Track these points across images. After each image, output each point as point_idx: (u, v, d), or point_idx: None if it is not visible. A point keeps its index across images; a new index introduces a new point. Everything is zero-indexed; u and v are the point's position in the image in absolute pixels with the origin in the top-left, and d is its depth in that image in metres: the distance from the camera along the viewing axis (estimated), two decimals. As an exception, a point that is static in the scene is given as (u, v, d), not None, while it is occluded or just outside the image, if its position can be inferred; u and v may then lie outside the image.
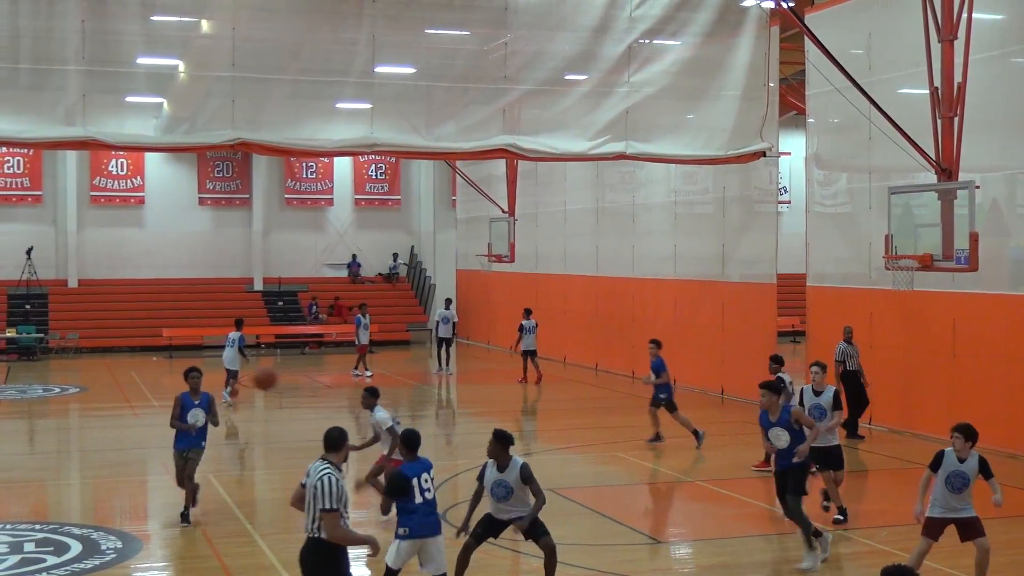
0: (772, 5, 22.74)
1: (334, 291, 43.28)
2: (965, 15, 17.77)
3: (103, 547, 13.68)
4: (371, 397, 14.79)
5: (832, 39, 20.92)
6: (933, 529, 11.26)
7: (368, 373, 31.16)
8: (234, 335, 26.98)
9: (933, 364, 21.23)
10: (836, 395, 14.81)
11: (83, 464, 20.57)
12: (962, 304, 20.56)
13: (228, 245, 43.59)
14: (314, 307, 42.03)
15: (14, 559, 13.11)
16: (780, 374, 17.44)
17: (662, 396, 20.71)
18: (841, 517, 14.66)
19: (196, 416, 14.88)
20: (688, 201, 29.55)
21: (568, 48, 22.92)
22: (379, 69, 22.22)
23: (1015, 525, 14.69)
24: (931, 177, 18.34)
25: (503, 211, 34.48)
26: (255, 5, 21.94)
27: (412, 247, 46.33)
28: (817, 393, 14.76)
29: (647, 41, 23.42)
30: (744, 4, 23.66)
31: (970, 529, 11.21)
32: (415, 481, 10.51)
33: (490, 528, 11.25)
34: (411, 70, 23.74)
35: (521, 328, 30.53)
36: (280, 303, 42.99)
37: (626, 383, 30.46)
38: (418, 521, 10.45)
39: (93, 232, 41.87)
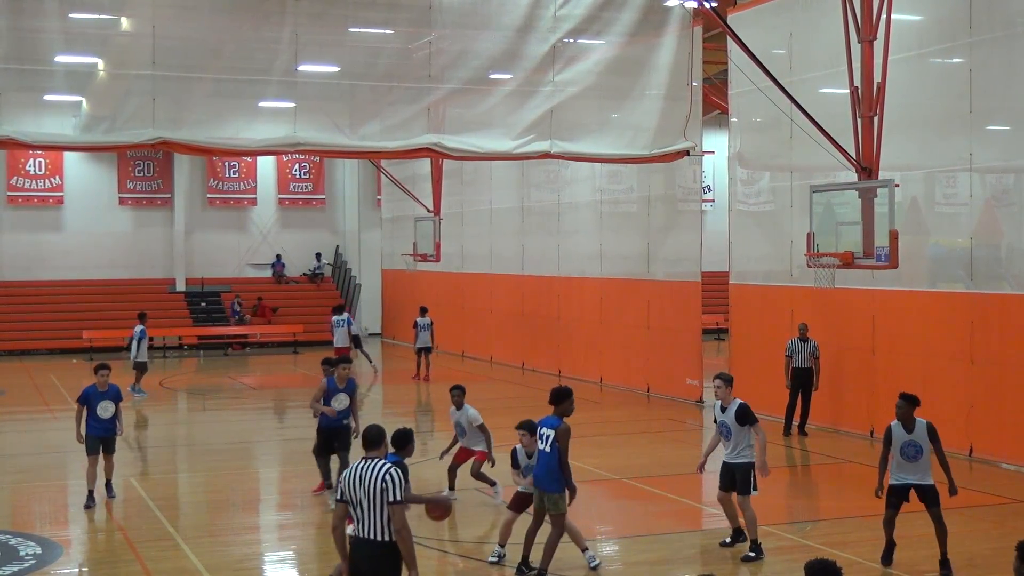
0: (695, 5, 22.89)
1: (258, 291, 42.92)
2: (884, 16, 18.01)
3: (22, 553, 13.42)
4: (462, 394, 15.55)
5: (754, 39, 21.11)
6: None
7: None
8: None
9: (854, 360, 21.49)
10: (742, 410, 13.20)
11: (0, 469, 20.18)
12: (882, 301, 20.84)
13: (149, 246, 43.05)
14: (237, 307, 41.62)
15: (-71, 567, 12.85)
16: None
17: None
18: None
19: (340, 400, 16.17)
20: (613, 200, 29.67)
21: (492, 47, 22.91)
22: (302, 68, 22.04)
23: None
24: (852, 176, 18.57)
25: (428, 210, 34.41)
26: (176, 3, 21.69)
27: (337, 247, 46.08)
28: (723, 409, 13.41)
29: (571, 40, 23.48)
30: (667, 4, 23.80)
31: None
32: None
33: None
34: (335, 69, 23.59)
35: (415, 325, 31.28)
36: (203, 304, 42.55)
37: (552, 381, 30.47)
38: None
39: (10, 233, 41.14)
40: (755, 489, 13.21)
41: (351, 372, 16.40)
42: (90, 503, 15.62)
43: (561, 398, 12.27)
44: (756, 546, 13.08)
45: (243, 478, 18.58)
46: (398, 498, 8.57)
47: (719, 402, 13.44)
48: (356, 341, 33.95)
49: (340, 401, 16.11)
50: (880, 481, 12.47)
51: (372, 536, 8.60)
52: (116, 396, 16.07)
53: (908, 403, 12.46)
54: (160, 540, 14.12)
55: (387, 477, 8.61)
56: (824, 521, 15.36)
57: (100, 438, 15.94)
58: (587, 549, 12.66)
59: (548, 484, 12.12)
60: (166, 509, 15.90)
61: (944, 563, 12.27)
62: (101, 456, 15.97)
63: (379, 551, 8.59)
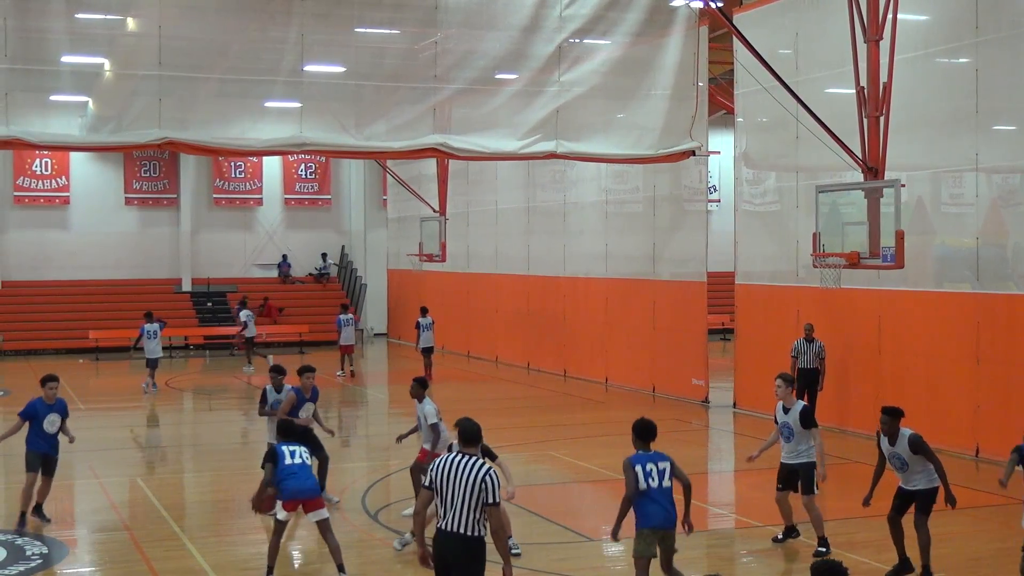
0: (701, 5, 22.87)
1: (264, 291, 42.94)
2: (890, 16, 17.99)
3: (28, 553, 13.45)
4: (420, 388, 14.83)
5: (760, 39, 21.10)
6: None
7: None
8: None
9: (860, 361, 21.47)
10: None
11: (7, 469, 20.18)
12: (888, 301, 20.82)
13: (156, 246, 43.11)
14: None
15: (-64, 566, 12.87)
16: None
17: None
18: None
19: (307, 409, 15.63)
20: (619, 200, 29.67)
21: (498, 47, 22.88)
22: (308, 68, 22.02)
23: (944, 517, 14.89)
24: (858, 176, 18.54)
25: (434, 210, 34.40)
26: (182, 3, 21.64)
27: (343, 247, 46.11)
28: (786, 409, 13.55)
29: (577, 40, 23.45)
30: (673, 4, 23.77)
31: None
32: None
33: None
34: (340, 69, 23.59)
35: (417, 326, 31.23)
36: (209, 304, 42.57)
37: (558, 382, 30.52)
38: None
39: (17, 233, 41.20)
40: (817, 489, 13.48)
41: (313, 381, 15.72)
42: (22, 525, 14.43)
43: (655, 433, 11.01)
44: (824, 542, 13.25)
45: (249, 478, 18.52)
46: (497, 500, 8.72)
47: (781, 403, 13.53)
48: (250, 342, 34.33)
49: (307, 410, 15.60)
50: (870, 490, 12.38)
51: (462, 531, 8.71)
52: (63, 410, 15.10)
53: (890, 417, 12.02)
54: (166, 540, 14.14)
55: (487, 479, 8.72)
56: (830, 521, 15.28)
57: (44, 454, 14.80)
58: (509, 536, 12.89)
59: (675, 520, 10.85)
60: (172, 509, 15.92)
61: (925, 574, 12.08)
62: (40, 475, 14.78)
63: (466, 543, 8.72)
